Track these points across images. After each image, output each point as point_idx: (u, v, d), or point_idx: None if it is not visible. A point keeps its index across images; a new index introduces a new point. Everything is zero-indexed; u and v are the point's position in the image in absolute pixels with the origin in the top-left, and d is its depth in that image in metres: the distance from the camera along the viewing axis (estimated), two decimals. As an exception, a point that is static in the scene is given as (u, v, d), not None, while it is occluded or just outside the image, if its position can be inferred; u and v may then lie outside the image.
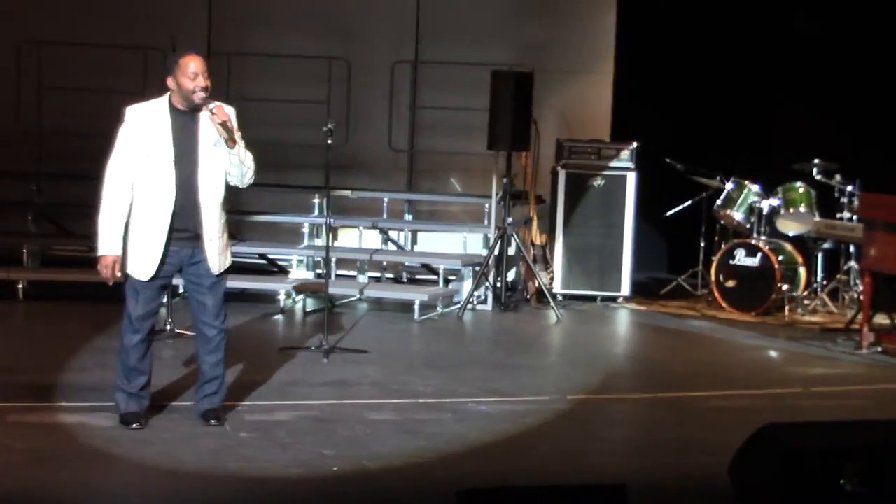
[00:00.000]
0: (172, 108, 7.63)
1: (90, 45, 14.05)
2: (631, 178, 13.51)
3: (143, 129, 7.58)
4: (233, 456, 7.35)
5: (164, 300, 9.62)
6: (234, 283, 11.85)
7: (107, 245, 7.60)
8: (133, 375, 7.77)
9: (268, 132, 12.72)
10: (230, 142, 7.62)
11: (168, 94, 7.66)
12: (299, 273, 13.42)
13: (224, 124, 7.57)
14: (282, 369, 9.62)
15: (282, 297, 12.54)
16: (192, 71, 7.56)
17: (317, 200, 13.86)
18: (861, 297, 11.84)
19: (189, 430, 7.77)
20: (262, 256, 13.96)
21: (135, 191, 7.59)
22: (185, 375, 9.04)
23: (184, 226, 7.66)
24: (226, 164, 7.71)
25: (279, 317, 12.22)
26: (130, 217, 7.61)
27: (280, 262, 13.95)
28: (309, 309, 12.47)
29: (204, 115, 7.65)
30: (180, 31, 14.08)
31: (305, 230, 13.80)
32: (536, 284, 13.09)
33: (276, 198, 13.86)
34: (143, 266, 7.65)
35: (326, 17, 14.75)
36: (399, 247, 14.16)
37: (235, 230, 13.49)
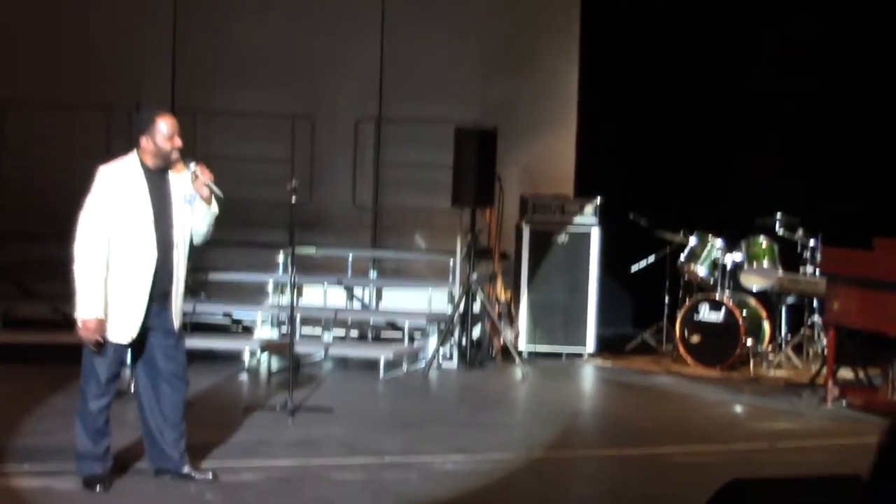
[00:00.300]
0: (144, 168, 7.62)
1: (54, 104, 14.04)
2: (595, 234, 13.55)
3: (119, 189, 7.52)
4: (198, 518, 7.29)
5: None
6: (199, 342, 11.82)
7: (89, 308, 7.45)
8: (99, 438, 7.71)
9: (232, 189, 12.66)
10: (209, 199, 7.70)
11: (135, 152, 7.63)
12: (264, 331, 13.35)
13: (207, 183, 7.68)
14: (247, 429, 9.56)
15: (246, 356, 12.50)
16: (168, 132, 7.58)
17: (281, 258, 13.84)
18: (825, 352, 11.88)
19: (153, 492, 7.70)
20: (226, 315, 13.89)
21: (111, 252, 7.51)
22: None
23: (159, 285, 7.65)
24: (194, 221, 7.75)
25: (244, 376, 12.16)
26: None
27: (244, 321, 13.88)
28: (274, 368, 12.40)
29: (173, 174, 7.69)
30: (144, 89, 14.17)
31: (270, 288, 13.74)
32: (501, 341, 13.08)
33: (240, 256, 13.84)
34: (123, 329, 7.58)
35: (290, 74, 14.80)
36: (364, 305, 14.13)
37: (200, 288, 13.46)
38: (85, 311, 7.46)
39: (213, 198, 7.76)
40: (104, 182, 7.54)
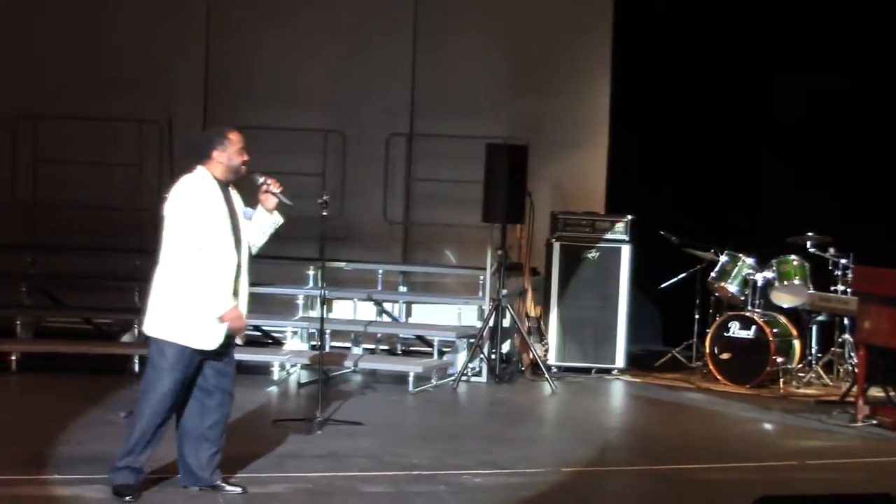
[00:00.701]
0: (218, 182, 7.84)
1: (85, 118, 14.12)
2: (625, 251, 13.53)
3: (204, 203, 7.73)
4: (226, 528, 7.32)
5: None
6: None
7: (221, 302, 7.70)
8: (143, 451, 7.76)
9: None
10: (272, 211, 8.08)
11: (204, 167, 7.82)
12: (294, 344, 13.38)
13: (276, 193, 8.08)
14: (276, 441, 9.58)
15: (276, 368, 12.55)
16: (239, 146, 7.88)
17: (311, 272, 13.88)
18: (856, 370, 11.84)
19: (180, 501, 7.71)
20: (256, 328, 13.90)
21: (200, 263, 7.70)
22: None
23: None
24: (254, 234, 8.05)
25: (273, 388, 12.19)
26: (192, 289, 7.67)
27: (275, 334, 13.91)
28: (303, 381, 12.43)
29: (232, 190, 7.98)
30: (177, 104, 14.24)
31: (300, 301, 13.77)
32: (531, 356, 13.08)
33: (270, 269, 13.84)
34: (210, 335, 7.74)
35: (322, 89, 14.84)
36: (394, 318, 14.15)
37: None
38: (219, 307, 7.70)
39: (276, 209, 8.09)
40: (189, 194, 7.74)
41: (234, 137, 7.88)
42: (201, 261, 7.65)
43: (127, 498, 7.69)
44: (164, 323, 7.72)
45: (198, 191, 7.74)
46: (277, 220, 8.17)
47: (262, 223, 8.08)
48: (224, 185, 7.87)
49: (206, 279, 7.66)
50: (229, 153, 7.83)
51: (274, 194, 8.08)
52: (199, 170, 7.83)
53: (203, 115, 14.57)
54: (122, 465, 7.73)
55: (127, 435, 7.79)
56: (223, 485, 7.96)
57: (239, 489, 7.99)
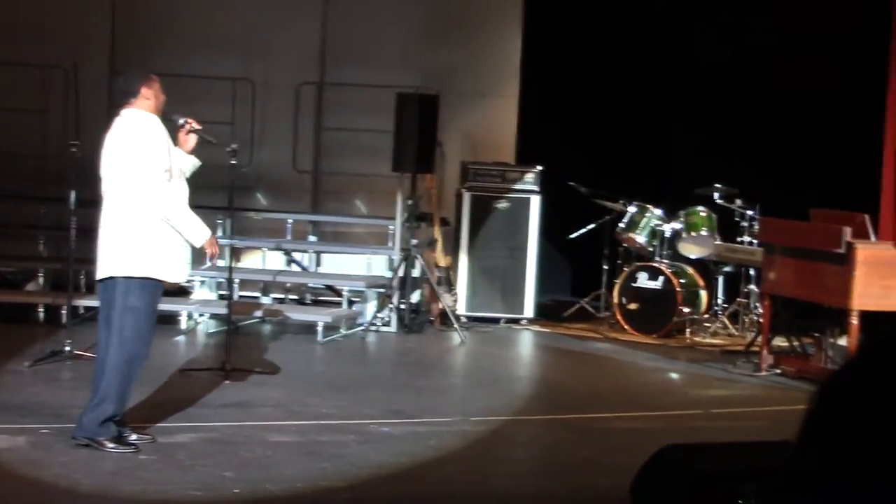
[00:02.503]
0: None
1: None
2: (535, 201, 13.55)
3: (162, 138, 7.74)
4: (131, 478, 7.26)
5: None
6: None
7: (202, 230, 7.81)
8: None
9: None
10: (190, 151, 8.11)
11: (138, 106, 7.76)
12: (201, 293, 13.28)
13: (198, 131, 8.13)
14: (182, 391, 9.51)
15: (183, 317, 12.46)
16: (159, 86, 7.91)
17: (220, 221, 13.77)
18: (760, 320, 11.98)
19: (86, 453, 7.63)
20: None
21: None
22: (84, 398, 8.88)
23: None
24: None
25: (180, 338, 12.10)
26: (154, 224, 7.67)
27: (182, 283, 13.77)
28: (211, 330, 12.36)
29: None
30: (83, 49, 14.02)
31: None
32: (440, 306, 13.10)
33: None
34: (178, 268, 7.90)
35: (231, 37, 14.67)
36: (303, 268, 14.10)
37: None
38: (202, 234, 7.80)
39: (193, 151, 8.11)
40: (145, 126, 7.70)
41: (156, 78, 7.89)
42: (171, 191, 7.67)
43: (111, 445, 7.69)
44: (135, 260, 7.66)
45: (150, 123, 7.72)
46: (196, 162, 8.15)
47: (182, 165, 8.01)
48: None
49: (184, 207, 7.73)
50: (156, 91, 7.82)
51: (196, 132, 8.09)
52: (132, 109, 7.77)
53: (109, 61, 14.35)
54: (111, 412, 7.68)
55: (106, 384, 7.69)
56: (129, 434, 7.89)
57: (147, 438, 7.94)
